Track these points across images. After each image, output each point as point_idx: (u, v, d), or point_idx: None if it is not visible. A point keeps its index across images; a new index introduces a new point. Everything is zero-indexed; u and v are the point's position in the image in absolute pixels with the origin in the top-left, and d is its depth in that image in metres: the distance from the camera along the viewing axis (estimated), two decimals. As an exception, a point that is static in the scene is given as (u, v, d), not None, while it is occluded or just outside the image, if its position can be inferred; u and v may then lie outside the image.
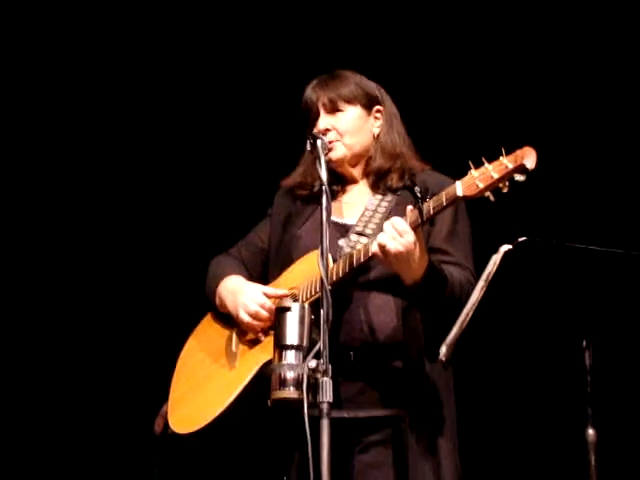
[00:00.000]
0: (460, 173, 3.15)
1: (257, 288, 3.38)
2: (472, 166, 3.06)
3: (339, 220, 3.41)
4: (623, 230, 4.49)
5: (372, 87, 3.54)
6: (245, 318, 3.33)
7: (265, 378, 3.11)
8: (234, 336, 3.41)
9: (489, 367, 4.68)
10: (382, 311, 3.32)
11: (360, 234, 3.35)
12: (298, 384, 2.93)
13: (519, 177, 2.99)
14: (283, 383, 2.96)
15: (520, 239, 3.05)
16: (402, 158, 3.48)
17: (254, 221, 3.70)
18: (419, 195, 3.05)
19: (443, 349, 3.16)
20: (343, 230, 3.39)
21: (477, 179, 3.03)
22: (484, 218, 3.32)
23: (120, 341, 4.94)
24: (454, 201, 3.07)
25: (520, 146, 3.00)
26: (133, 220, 5.02)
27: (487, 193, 3.03)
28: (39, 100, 4.92)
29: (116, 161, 4.98)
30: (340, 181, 3.53)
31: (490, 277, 3.05)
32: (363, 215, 3.41)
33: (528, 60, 4.87)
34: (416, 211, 3.08)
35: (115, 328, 4.96)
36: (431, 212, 3.08)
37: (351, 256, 3.22)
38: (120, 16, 4.91)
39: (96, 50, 4.93)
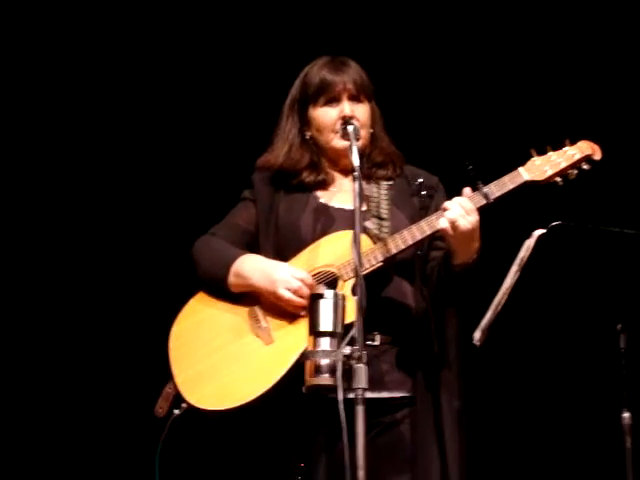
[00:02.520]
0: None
1: (290, 266, 3.38)
2: (534, 153, 3.29)
3: (345, 207, 3.42)
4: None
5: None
6: (286, 294, 3.29)
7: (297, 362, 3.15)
8: (257, 311, 3.36)
9: (524, 352, 4.68)
10: (401, 294, 3.38)
11: (379, 218, 3.38)
12: (333, 371, 2.93)
13: (585, 166, 3.29)
14: (318, 370, 2.96)
15: (553, 223, 3.05)
16: (393, 155, 3.54)
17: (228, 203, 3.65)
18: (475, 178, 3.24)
19: (477, 334, 3.17)
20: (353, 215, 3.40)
21: (544, 165, 3.28)
22: (517, 203, 3.32)
23: (109, 327, 4.92)
24: (519, 186, 3.27)
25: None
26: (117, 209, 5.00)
27: (557, 178, 3.28)
28: (36, 100, 4.92)
29: (102, 156, 4.96)
30: (328, 169, 3.53)
31: (524, 262, 3.06)
32: (370, 201, 3.42)
33: (511, 59, 4.85)
34: (479, 194, 3.23)
35: (104, 315, 4.93)
36: (496, 194, 3.24)
37: (411, 231, 3.28)
38: (118, 15, 4.90)
39: (95, 50, 4.91)
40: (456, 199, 3.22)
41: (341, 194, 3.48)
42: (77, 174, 4.95)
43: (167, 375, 3.38)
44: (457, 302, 3.39)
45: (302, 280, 3.29)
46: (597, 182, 3.42)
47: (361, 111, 3.45)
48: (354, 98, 3.45)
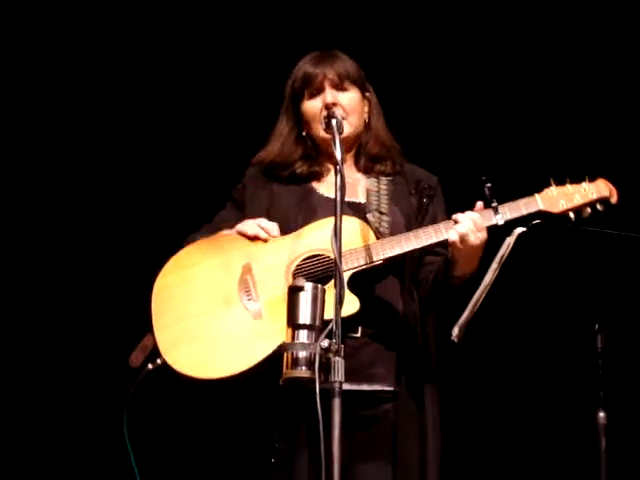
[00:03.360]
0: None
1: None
2: (553, 182, 3.33)
3: (346, 198, 3.39)
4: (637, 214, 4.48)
5: (363, 72, 3.57)
6: (244, 226, 3.38)
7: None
8: (249, 281, 3.35)
9: (501, 349, 4.69)
10: (390, 290, 3.39)
11: (379, 212, 3.40)
12: (310, 363, 2.93)
13: (599, 207, 3.33)
14: (295, 362, 2.96)
15: (534, 222, 3.06)
16: (392, 150, 3.55)
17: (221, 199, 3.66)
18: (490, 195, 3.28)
19: (455, 330, 3.18)
20: (351, 207, 3.40)
21: (561, 198, 3.30)
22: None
23: (85, 274, 4.92)
24: (534, 213, 3.29)
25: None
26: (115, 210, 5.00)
27: (571, 214, 3.32)
28: (35, 100, 4.92)
29: (101, 158, 4.96)
30: (324, 162, 3.53)
31: (503, 260, 3.06)
32: (370, 195, 3.45)
33: (511, 62, 4.86)
34: (491, 211, 3.27)
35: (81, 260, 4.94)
36: (508, 217, 3.27)
37: (418, 236, 3.30)
38: (117, 15, 4.90)
39: (95, 50, 4.91)
40: (469, 214, 3.25)
41: (333, 185, 3.46)
42: (76, 173, 4.95)
43: (146, 325, 3.36)
44: (446, 308, 3.41)
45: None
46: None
47: (346, 98, 3.46)
48: (337, 86, 3.46)
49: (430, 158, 3.70)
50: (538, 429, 4.72)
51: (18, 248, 4.92)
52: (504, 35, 4.86)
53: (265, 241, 3.38)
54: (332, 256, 3.22)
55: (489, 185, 3.27)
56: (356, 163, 3.55)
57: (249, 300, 3.32)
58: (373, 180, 3.49)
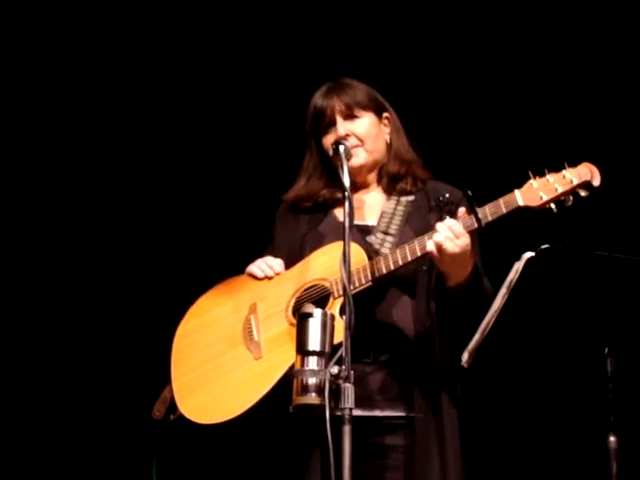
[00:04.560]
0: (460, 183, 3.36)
1: None
2: (532, 176, 3.21)
3: (359, 222, 3.40)
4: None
5: (378, 94, 3.57)
6: (252, 266, 3.42)
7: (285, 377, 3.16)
8: (252, 321, 3.37)
9: (512, 374, 4.67)
10: (400, 310, 3.37)
11: (385, 233, 3.39)
12: (320, 390, 2.93)
13: (583, 193, 3.18)
14: (305, 389, 2.96)
15: (543, 246, 3.05)
16: (413, 164, 3.54)
17: (256, 229, 3.70)
18: (472, 199, 3.20)
19: (465, 355, 3.17)
20: (362, 232, 3.40)
21: (540, 190, 3.18)
22: (507, 225, 3.32)
23: (111, 324, 4.91)
24: (514, 210, 3.19)
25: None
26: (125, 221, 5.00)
27: (552, 205, 3.20)
28: (34, 101, 4.93)
29: (112, 164, 4.98)
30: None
31: (512, 284, 3.06)
32: (382, 217, 3.46)
33: (519, 64, 4.87)
34: (472, 216, 3.18)
35: (106, 308, 4.93)
36: (489, 219, 3.19)
37: (403, 251, 3.25)
38: (119, 16, 4.92)
39: (94, 50, 4.93)
40: (447, 221, 3.20)
41: (361, 210, 3.47)
42: (80, 176, 4.97)
43: (167, 377, 3.41)
44: (464, 318, 3.32)
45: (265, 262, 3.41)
46: (588, 206, 3.41)
47: (359, 125, 3.47)
48: (348, 116, 3.47)
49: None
50: (550, 453, 4.70)
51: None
52: (481, 38, 4.89)
53: (271, 279, 3.39)
54: (326, 285, 3.30)
55: (469, 191, 3.20)
56: (379, 184, 3.55)
57: (251, 340, 3.33)
58: (392, 202, 3.48)
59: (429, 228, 3.32)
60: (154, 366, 3.60)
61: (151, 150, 4.98)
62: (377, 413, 3.29)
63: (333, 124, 3.47)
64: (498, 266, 3.21)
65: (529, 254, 3.04)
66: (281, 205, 3.63)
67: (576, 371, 4.36)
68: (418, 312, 3.36)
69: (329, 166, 3.50)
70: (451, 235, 3.16)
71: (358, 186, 3.53)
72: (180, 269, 4.86)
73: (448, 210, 3.34)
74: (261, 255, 3.55)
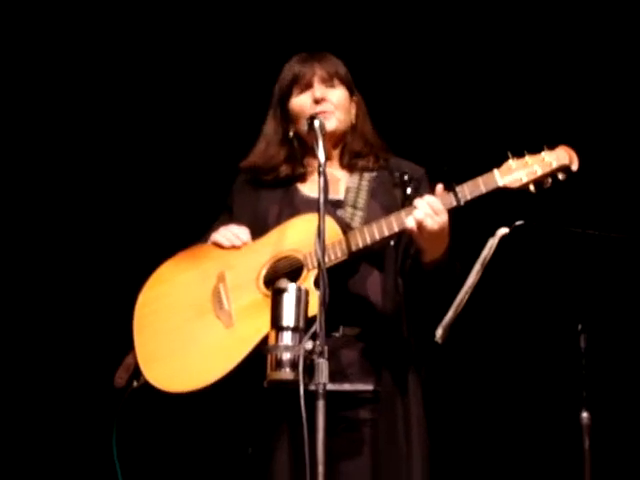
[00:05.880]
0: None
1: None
2: (510, 156, 3.20)
3: (315, 195, 3.38)
4: (622, 215, 4.49)
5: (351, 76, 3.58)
6: (217, 235, 3.38)
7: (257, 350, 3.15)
8: (222, 290, 3.34)
9: (484, 350, 4.69)
10: (370, 285, 3.35)
11: (354, 207, 3.39)
12: (294, 365, 2.93)
13: (561, 176, 3.17)
14: (279, 364, 2.96)
15: (517, 223, 3.06)
16: (376, 146, 3.54)
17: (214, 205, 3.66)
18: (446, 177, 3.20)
19: (439, 331, 3.18)
20: (332, 205, 3.39)
21: (519, 171, 3.18)
22: (482, 202, 3.33)
23: (69, 292, 4.90)
24: (493, 190, 3.18)
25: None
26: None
27: (531, 186, 3.18)
28: (30, 101, 4.92)
29: (99, 156, 4.97)
30: (311, 162, 3.52)
31: (487, 261, 3.07)
32: (348, 191, 3.44)
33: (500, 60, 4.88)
34: (451, 194, 3.17)
35: (62, 276, 4.92)
36: (468, 197, 3.18)
37: (380, 226, 3.24)
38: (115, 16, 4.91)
39: (94, 50, 4.91)
40: (426, 197, 3.18)
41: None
42: (76, 175, 4.95)
43: (128, 344, 3.37)
44: (432, 297, 3.35)
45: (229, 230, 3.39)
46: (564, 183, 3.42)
47: (335, 94, 3.46)
48: (326, 83, 3.46)
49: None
50: (522, 429, 4.73)
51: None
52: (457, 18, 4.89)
53: (239, 248, 3.39)
54: (299, 257, 3.28)
55: (446, 168, 3.22)
56: (340, 161, 3.55)
57: (221, 309, 3.32)
58: (355, 177, 3.48)
59: (395, 203, 3.34)
60: (114, 333, 3.58)
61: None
62: (347, 387, 3.30)
63: (310, 87, 3.46)
64: (472, 242, 3.22)
65: (503, 230, 3.04)
66: (239, 176, 3.59)
67: (549, 347, 4.39)
68: (387, 287, 3.36)
69: (286, 134, 3.50)
70: (431, 212, 3.15)
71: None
72: (138, 236, 4.83)
73: (413, 187, 3.37)
74: (214, 223, 3.54)
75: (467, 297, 3.13)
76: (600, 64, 4.77)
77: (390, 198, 3.41)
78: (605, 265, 3.14)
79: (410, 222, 3.17)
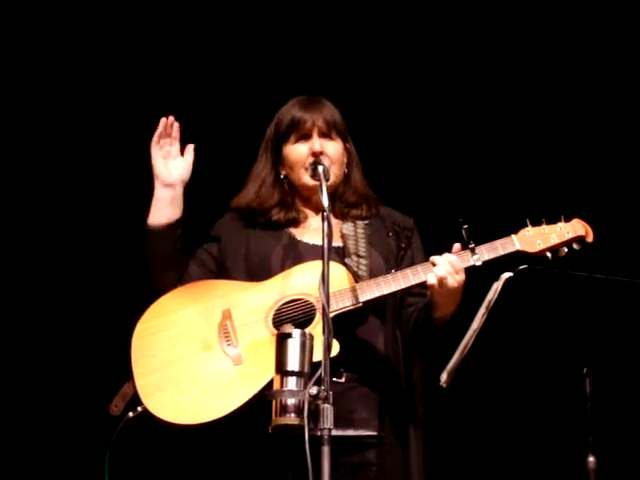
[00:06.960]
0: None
1: None
2: (529, 223, 3.37)
3: (317, 243, 3.41)
4: (626, 258, 4.50)
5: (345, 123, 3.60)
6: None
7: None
8: (229, 327, 3.34)
9: (490, 394, 4.68)
10: (372, 332, 3.39)
11: (357, 255, 3.41)
12: (299, 411, 2.92)
13: (576, 246, 3.36)
14: (284, 409, 2.95)
15: (521, 267, 3.07)
16: (369, 197, 3.58)
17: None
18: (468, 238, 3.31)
19: (444, 376, 3.18)
20: (334, 253, 3.40)
21: (537, 238, 3.34)
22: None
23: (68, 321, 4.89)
24: (510, 253, 3.32)
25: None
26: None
27: (548, 253, 3.35)
28: (27, 101, 4.93)
29: (98, 158, 4.97)
30: (300, 207, 3.56)
31: (491, 305, 3.07)
32: (347, 239, 3.45)
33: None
34: (468, 252, 3.28)
35: (59, 303, 4.90)
36: (485, 258, 3.30)
37: (396, 277, 3.31)
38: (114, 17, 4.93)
39: (94, 50, 4.94)
40: (446, 256, 3.27)
41: (313, 231, 3.49)
42: (73, 175, 4.95)
43: (125, 373, 3.34)
44: (431, 350, 3.43)
45: None
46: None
47: (332, 148, 3.48)
48: (325, 135, 3.49)
49: (407, 199, 3.75)
50: (529, 475, 4.70)
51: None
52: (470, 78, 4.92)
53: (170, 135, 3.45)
54: (311, 300, 3.31)
55: (466, 226, 3.29)
56: (333, 210, 3.55)
57: (228, 345, 3.32)
58: (349, 224, 3.50)
59: (390, 251, 3.44)
60: (106, 361, 3.55)
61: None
62: (350, 432, 3.30)
63: (309, 137, 3.49)
64: (476, 287, 3.23)
65: (507, 274, 3.05)
66: (227, 213, 3.60)
67: (555, 391, 4.37)
68: (387, 335, 3.41)
69: (279, 176, 3.54)
70: (452, 270, 3.24)
71: (312, 207, 3.55)
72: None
73: (405, 236, 3.49)
74: (196, 250, 3.54)
75: (472, 341, 3.13)
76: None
77: (386, 246, 3.48)
78: (610, 309, 3.13)
79: (432, 279, 3.23)
